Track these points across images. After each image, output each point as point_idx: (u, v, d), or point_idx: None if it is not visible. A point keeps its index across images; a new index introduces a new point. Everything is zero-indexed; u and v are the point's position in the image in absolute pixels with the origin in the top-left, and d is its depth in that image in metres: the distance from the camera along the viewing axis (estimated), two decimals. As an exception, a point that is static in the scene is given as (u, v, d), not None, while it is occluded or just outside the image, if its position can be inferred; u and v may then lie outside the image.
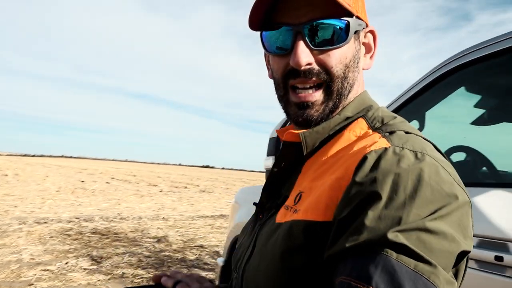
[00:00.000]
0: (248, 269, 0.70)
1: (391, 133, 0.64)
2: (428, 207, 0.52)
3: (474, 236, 1.13)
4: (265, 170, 1.70)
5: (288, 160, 0.76)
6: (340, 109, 0.73)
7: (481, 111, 1.63)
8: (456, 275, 0.61)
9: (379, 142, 0.61)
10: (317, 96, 0.69)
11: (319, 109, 0.70)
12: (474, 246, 1.13)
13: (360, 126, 0.70)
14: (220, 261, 2.49)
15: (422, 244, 0.50)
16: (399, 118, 0.71)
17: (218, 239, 6.80)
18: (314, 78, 0.68)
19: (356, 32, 0.71)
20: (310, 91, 0.69)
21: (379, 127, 0.67)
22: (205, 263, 5.16)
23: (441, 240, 0.51)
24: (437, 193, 0.53)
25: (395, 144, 0.59)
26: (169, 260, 5.14)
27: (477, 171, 1.55)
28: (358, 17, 0.70)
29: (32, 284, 3.92)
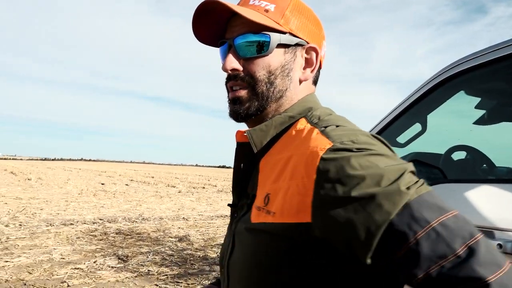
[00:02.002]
0: (232, 265, 0.78)
1: (325, 127, 0.73)
2: (399, 174, 0.62)
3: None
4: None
5: (243, 159, 0.86)
6: (279, 111, 0.84)
7: (481, 112, 1.76)
8: None
9: (320, 140, 0.69)
10: (243, 93, 0.82)
11: (245, 104, 0.82)
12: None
13: (301, 123, 0.80)
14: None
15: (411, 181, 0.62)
16: (334, 115, 0.81)
17: (238, 238, 6.98)
18: (239, 81, 0.81)
19: (286, 46, 0.82)
20: (239, 89, 0.82)
21: (316, 122, 0.77)
22: (226, 261, 5.34)
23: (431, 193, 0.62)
24: (395, 160, 0.66)
25: (335, 140, 0.67)
26: (191, 258, 5.35)
27: (477, 168, 1.68)
28: (292, 34, 0.82)
29: (64, 282, 4.16)
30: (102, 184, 19.37)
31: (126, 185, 19.66)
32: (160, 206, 11.36)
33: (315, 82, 0.90)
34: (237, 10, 0.77)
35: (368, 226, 0.60)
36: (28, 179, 19.72)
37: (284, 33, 0.82)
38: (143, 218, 8.81)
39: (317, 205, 0.64)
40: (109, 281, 4.28)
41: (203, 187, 20.32)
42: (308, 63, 0.87)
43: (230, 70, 0.82)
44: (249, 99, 0.82)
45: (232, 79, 0.82)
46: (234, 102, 0.83)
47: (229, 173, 59.58)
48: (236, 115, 0.83)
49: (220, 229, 7.86)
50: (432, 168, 1.58)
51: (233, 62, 0.81)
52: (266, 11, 0.81)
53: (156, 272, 4.66)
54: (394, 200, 0.59)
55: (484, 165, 1.69)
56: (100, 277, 4.40)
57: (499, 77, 1.56)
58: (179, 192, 16.92)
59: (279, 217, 0.69)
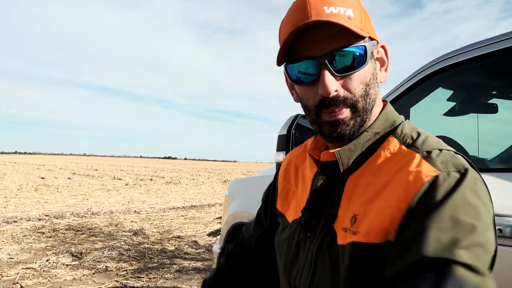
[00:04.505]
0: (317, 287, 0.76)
1: (428, 153, 0.70)
2: (475, 220, 0.61)
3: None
4: (275, 163, 1.89)
5: (326, 178, 0.81)
6: (367, 124, 0.79)
7: (452, 104, 1.89)
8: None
9: (425, 168, 0.67)
10: (346, 113, 0.75)
11: (350, 123, 0.75)
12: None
13: (393, 144, 0.75)
14: (217, 248, 2.64)
15: (478, 259, 0.58)
16: (425, 133, 0.77)
17: (194, 230, 6.92)
18: (341, 105, 0.74)
19: (371, 52, 0.76)
20: (340, 110, 0.75)
21: (411, 143, 0.74)
22: (186, 253, 5.29)
23: (488, 250, 0.60)
24: (484, 206, 0.64)
25: (441, 169, 0.66)
26: (149, 252, 5.24)
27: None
28: (370, 38, 0.76)
29: (17, 283, 3.93)
30: (43, 178, 18.39)
31: (69, 178, 18.81)
32: (108, 200, 10.99)
33: None
34: (347, 25, 0.70)
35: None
36: (-42, 175, 18.30)
37: (371, 39, 0.76)
38: (92, 213, 8.49)
39: (407, 225, 0.64)
40: (65, 279, 4.10)
41: (151, 179, 19.91)
42: (381, 62, 0.82)
43: (334, 92, 0.73)
44: (351, 118, 0.76)
45: (333, 103, 0.74)
46: (335, 124, 0.76)
47: (175, 164, 58.67)
48: (342, 136, 0.76)
49: (174, 221, 7.75)
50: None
51: (334, 84, 0.73)
52: (350, 18, 0.72)
53: (115, 268, 4.52)
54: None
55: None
56: (55, 276, 4.20)
57: (473, 73, 1.68)
58: (126, 184, 16.46)
59: (364, 236, 0.68)
